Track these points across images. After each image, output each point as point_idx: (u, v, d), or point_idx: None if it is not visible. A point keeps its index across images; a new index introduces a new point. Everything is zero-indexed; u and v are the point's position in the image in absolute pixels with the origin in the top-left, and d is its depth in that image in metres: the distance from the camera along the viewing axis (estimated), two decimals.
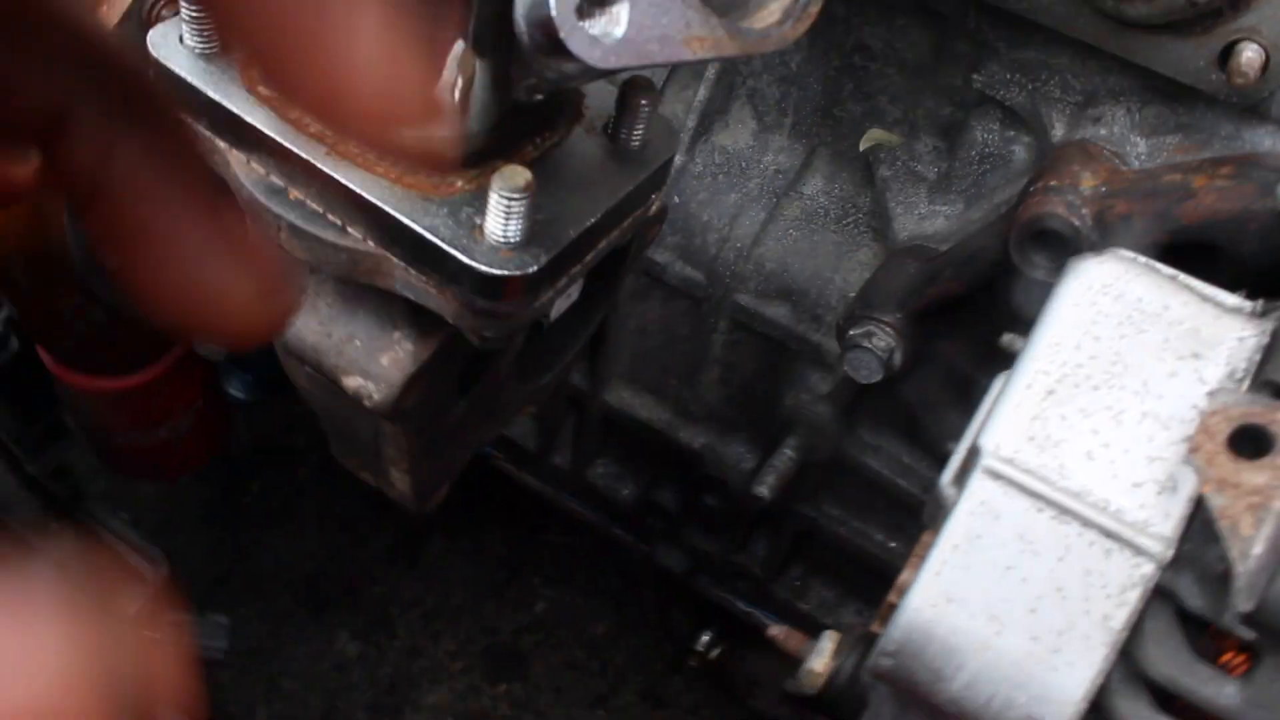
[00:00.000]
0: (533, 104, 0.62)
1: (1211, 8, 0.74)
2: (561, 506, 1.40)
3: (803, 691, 0.63)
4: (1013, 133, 0.93)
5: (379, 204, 0.61)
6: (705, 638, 1.38)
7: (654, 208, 0.82)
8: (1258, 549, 0.45)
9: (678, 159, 1.08)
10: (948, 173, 0.98)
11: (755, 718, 1.65)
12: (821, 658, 0.63)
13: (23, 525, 1.17)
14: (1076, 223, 0.70)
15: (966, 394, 0.87)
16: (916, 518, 0.63)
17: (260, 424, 1.88)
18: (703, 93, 1.07)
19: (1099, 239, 0.71)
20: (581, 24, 0.44)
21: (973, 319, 0.80)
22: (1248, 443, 0.48)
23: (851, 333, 0.83)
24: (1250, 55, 0.76)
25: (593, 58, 0.44)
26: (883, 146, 1.03)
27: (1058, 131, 0.87)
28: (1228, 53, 0.78)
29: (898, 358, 0.83)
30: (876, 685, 0.58)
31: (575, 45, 0.43)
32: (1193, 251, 0.71)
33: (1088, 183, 0.73)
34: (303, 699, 1.75)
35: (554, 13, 0.42)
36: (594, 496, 1.32)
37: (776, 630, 0.69)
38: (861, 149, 1.04)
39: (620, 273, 0.88)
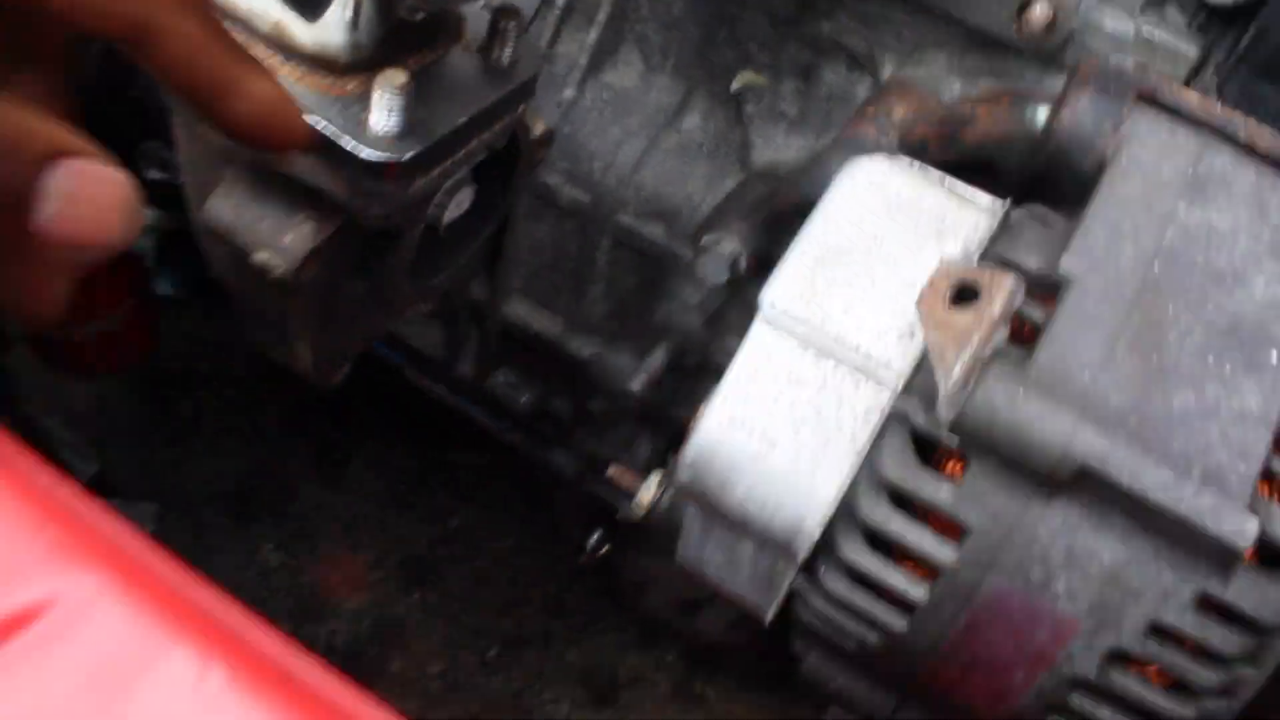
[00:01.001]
0: (416, 22, 0.74)
1: None
2: (467, 417, 1.51)
3: (632, 518, 0.76)
4: (856, 75, 1.06)
5: None
6: (594, 537, 1.50)
7: (539, 129, 0.94)
8: (957, 370, 0.58)
9: (570, 93, 1.19)
10: (804, 111, 1.11)
11: (646, 620, 1.78)
12: (648, 490, 0.75)
13: None
14: (884, 142, 0.83)
15: None
16: None
17: (186, 347, 1.97)
18: (594, 34, 1.19)
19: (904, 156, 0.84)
20: None
21: None
22: (962, 296, 0.62)
23: (704, 240, 0.96)
24: (1039, 12, 0.89)
25: None
26: (751, 87, 1.15)
27: (887, 72, 1.00)
28: (1024, 8, 0.91)
29: (742, 261, 0.96)
30: (686, 506, 0.71)
31: None
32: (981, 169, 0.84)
33: (899, 112, 0.86)
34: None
35: None
36: (495, 405, 1.44)
37: (614, 469, 0.82)
38: (733, 89, 1.17)
39: (509, 185, 1.00)
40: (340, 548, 1.91)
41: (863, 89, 1.07)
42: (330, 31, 0.71)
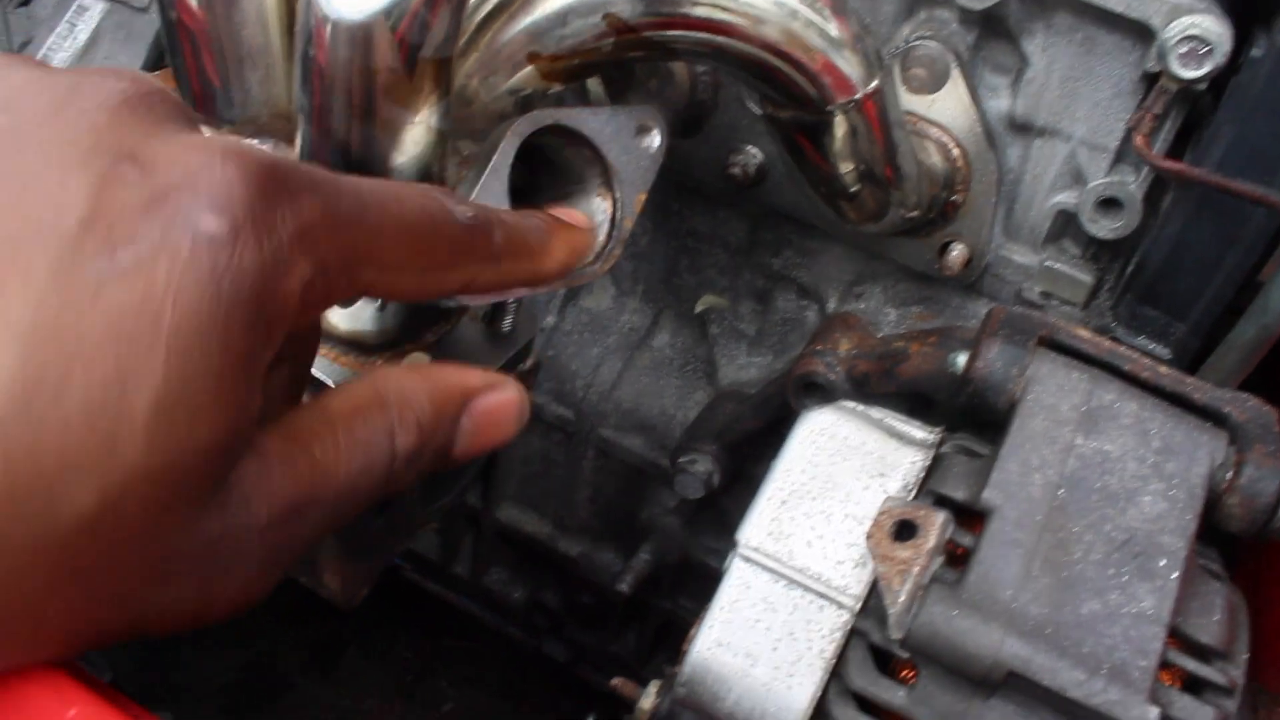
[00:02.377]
0: (433, 306, 0.88)
1: (926, 219, 1.03)
2: (462, 610, 1.62)
3: None
4: (805, 302, 1.21)
5: (321, 376, 0.85)
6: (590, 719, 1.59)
7: (530, 362, 1.08)
8: (902, 597, 0.71)
9: (551, 319, 1.34)
10: (761, 331, 1.26)
11: None
12: (648, 698, 0.87)
13: None
14: (833, 377, 0.96)
15: None
16: None
17: None
18: None
19: (850, 389, 0.98)
20: None
21: (775, 445, 1.06)
22: (903, 531, 0.75)
23: (679, 460, 1.09)
24: (956, 254, 1.05)
25: (473, 301, 0.70)
26: (713, 309, 1.30)
27: (831, 303, 1.16)
28: (944, 249, 1.07)
29: (716, 478, 1.09)
30: (682, 713, 0.82)
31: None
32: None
33: (844, 346, 1.00)
34: None
35: None
36: (490, 599, 1.55)
37: (616, 681, 0.93)
38: (697, 311, 1.32)
39: None
40: None
41: (812, 314, 1.22)
42: (363, 319, 0.84)
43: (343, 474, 0.54)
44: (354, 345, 0.86)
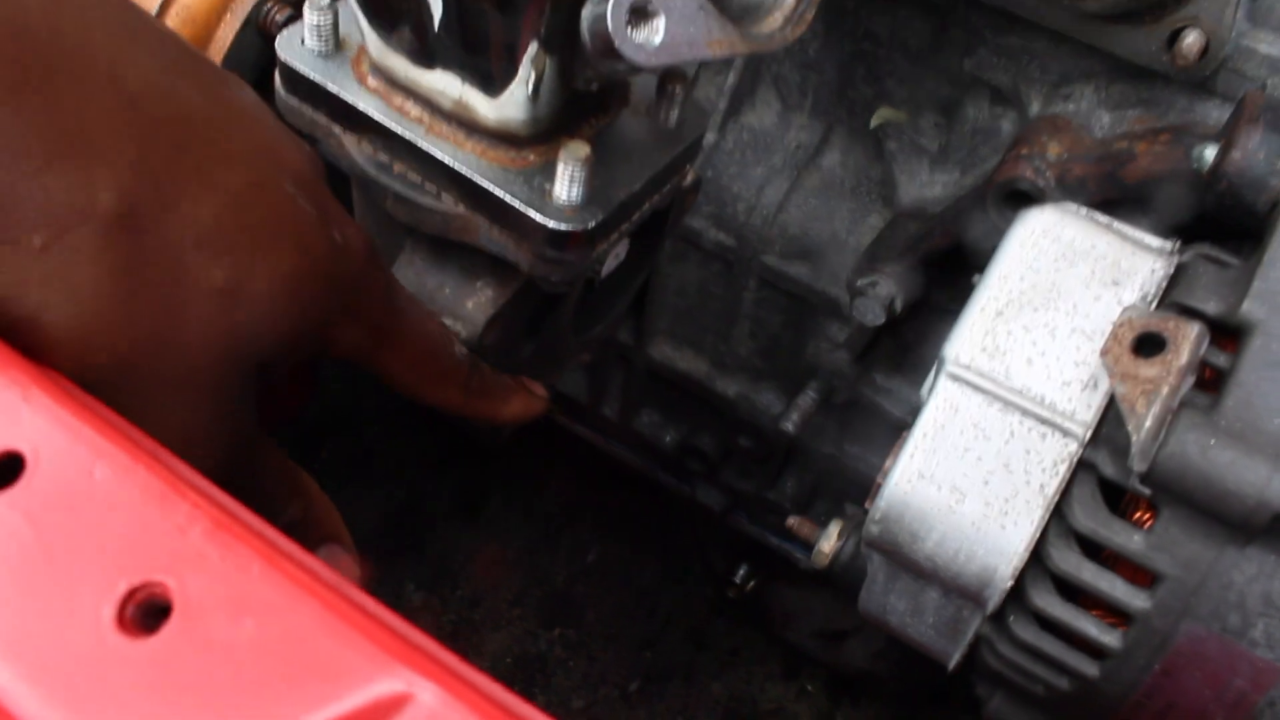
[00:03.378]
0: (590, 91, 0.77)
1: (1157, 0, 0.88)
2: (611, 455, 1.54)
3: (816, 567, 0.78)
4: (1000, 109, 1.07)
5: (469, 174, 0.76)
6: (742, 570, 1.52)
7: (689, 179, 0.97)
8: (1149, 422, 0.59)
9: (711, 137, 1.22)
10: (946, 145, 1.12)
11: (790, 651, 1.79)
12: (829, 539, 0.77)
13: None
14: (1041, 184, 0.84)
15: None
16: None
17: (329, 392, 2.03)
18: (732, 78, 1.21)
19: (1061, 197, 0.85)
20: (629, 33, 0.58)
21: (964, 268, 0.94)
22: (1147, 346, 0.62)
23: (859, 283, 0.97)
24: (1191, 40, 0.89)
25: (639, 59, 0.58)
26: (891, 123, 1.17)
27: (1034, 107, 1.01)
28: (1174, 38, 0.91)
29: (898, 303, 0.97)
30: (871, 555, 0.73)
31: (626, 50, 0.58)
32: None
33: (1053, 150, 0.87)
34: None
35: (610, 25, 0.57)
36: (640, 444, 1.47)
37: (793, 520, 0.84)
38: (872, 126, 1.18)
39: (660, 236, 1.03)
40: (482, 586, 1.95)
41: (1007, 123, 1.07)
42: (511, 107, 0.74)
43: None
44: (503, 138, 0.76)
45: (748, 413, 1.29)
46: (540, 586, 1.94)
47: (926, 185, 1.11)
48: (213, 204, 0.57)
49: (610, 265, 0.97)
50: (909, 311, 1.01)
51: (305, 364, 0.85)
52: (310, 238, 0.62)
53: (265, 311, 0.58)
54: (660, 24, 0.59)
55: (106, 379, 0.53)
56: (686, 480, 1.47)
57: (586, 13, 0.58)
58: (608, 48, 0.58)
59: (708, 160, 1.22)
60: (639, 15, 0.59)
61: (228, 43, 0.97)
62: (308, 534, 0.68)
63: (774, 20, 0.66)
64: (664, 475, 1.49)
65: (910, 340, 1.08)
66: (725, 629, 1.89)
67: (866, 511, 0.71)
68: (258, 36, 0.98)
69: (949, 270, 1.02)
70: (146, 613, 0.38)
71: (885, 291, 0.97)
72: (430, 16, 0.70)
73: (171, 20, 0.97)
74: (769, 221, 1.19)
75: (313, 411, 2.08)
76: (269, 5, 0.98)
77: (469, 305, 0.84)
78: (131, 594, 0.37)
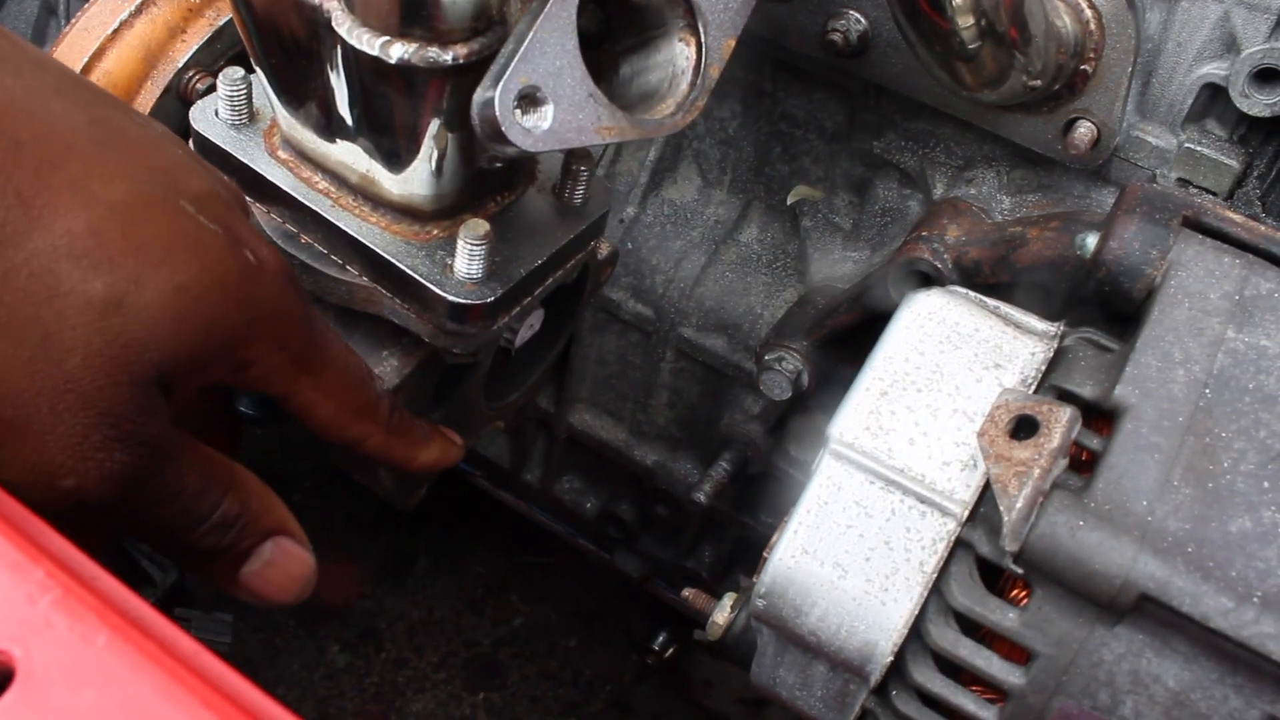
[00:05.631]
0: (494, 170, 0.79)
1: (1050, 91, 0.91)
2: (534, 521, 1.55)
3: (708, 640, 0.79)
4: (908, 191, 1.10)
5: (373, 247, 0.77)
6: (661, 637, 1.52)
7: (605, 251, 0.99)
8: (1019, 504, 0.61)
9: (631, 210, 1.24)
10: (858, 224, 1.15)
11: (713, 718, 1.79)
12: (722, 612, 0.78)
13: None
14: (939, 265, 0.86)
15: None
16: None
17: (260, 450, 2.02)
18: (653, 153, 1.24)
19: (958, 279, 0.87)
20: (518, 117, 0.60)
21: (871, 345, 0.96)
22: (1022, 429, 0.64)
23: (766, 358, 0.99)
24: (1083, 131, 0.93)
25: (526, 144, 0.60)
26: (806, 201, 1.20)
27: (939, 190, 1.04)
28: (1069, 127, 0.95)
29: (805, 378, 0.99)
30: (760, 628, 0.74)
31: (513, 135, 0.60)
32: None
33: (952, 233, 0.89)
34: (296, 705, 1.88)
35: (497, 110, 0.59)
36: (562, 510, 1.47)
37: (688, 591, 0.85)
38: (789, 202, 1.21)
39: (576, 308, 1.04)
40: (406, 649, 1.94)
41: (915, 204, 1.10)
42: (415, 183, 0.76)
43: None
44: (407, 213, 0.78)
45: (665, 481, 1.31)
46: (465, 650, 1.94)
47: (838, 262, 1.14)
48: (88, 217, 0.56)
49: (525, 335, 0.98)
50: (818, 386, 1.03)
51: (219, 404, 0.86)
52: (213, 254, 0.61)
53: (154, 322, 0.57)
54: (549, 110, 0.61)
55: None
56: (606, 547, 1.47)
57: (476, 97, 0.60)
58: (495, 132, 0.59)
59: (628, 233, 1.24)
60: (527, 101, 0.60)
61: (148, 108, 0.98)
62: (247, 529, 0.67)
63: (666, 106, 0.68)
64: (585, 541, 1.50)
65: (817, 416, 1.10)
66: (649, 694, 1.88)
67: (752, 583, 0.72)
68: (178, 103, 0.99)
69: (859, 346, 1.05)
70: None
71: (791, 367, 0.99)
72: (335, 94, 0.71)
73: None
74: (686, 294, 1.21)
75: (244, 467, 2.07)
76: (190, 73, 0.99)
77: (374, 373, 0.85)
78: None
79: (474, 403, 0.99)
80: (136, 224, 0.58)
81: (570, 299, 1.02)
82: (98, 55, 0.97)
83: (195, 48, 0.99)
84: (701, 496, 1.14)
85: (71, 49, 0.97)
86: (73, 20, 0.98)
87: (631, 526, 1.39)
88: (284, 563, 0.69)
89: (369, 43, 0.64)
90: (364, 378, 0.77)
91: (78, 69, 0.98)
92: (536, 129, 0.61)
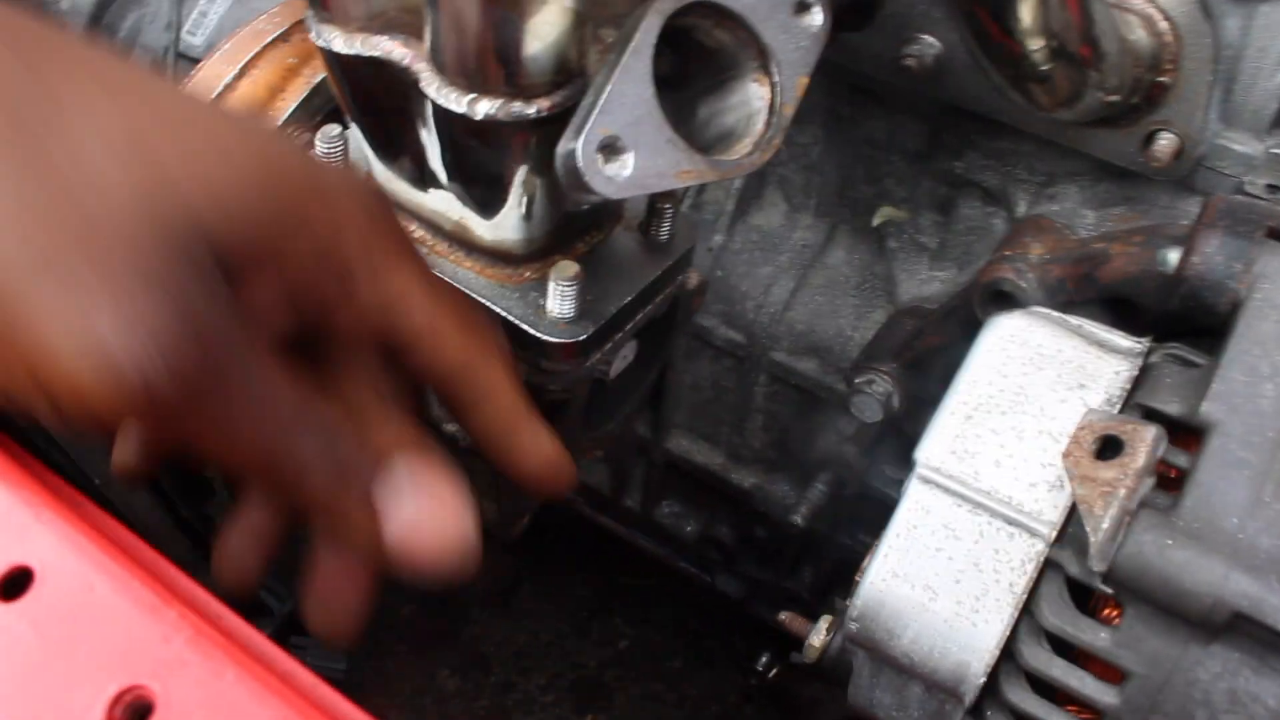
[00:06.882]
0: (581, 212, 0.82)
1: (1129, 105, 0.91)
2: (635, 545, 1.57)
3: (806, 662, 0.80)
4: (991, 209, 1.11)
5: (466, 289, 0.80)
6: (764, 658, 1.53)
7: (694, 281, 1.01)
8: (1105, 524, 0.62)
9: (719, 238, 1.26)
10: (944, 243, 1.15)
11: None
12: (818, 634, 0.80)
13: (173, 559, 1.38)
14: (1023, 285, 0.87)
15: None
16: None
17: None
18: (738, 182, 1.26)
19: (1043, 298, 0.88)
20: (601, 166, 0.63)
21: (961, 364, 0.97)
22: (1107, 449, 0.65)
23: (856, 381, 1.00)
24: (1164, 143, 0.93)
25: (608, 191, 0.63)
26: (892, 222, 1.21)
27: (1021, 207, 1.05)
28: (1150, 140, 0.95)
29: (895, 400, 1.00)
30: (855, 650, 0.75)
31: (595, 184, 0.62)
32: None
33: (1035, 251, 0.90)
34: None
35: (580, 161, 0.61)
36: (662, 534, 1.49)
37: (785, 615, 0.87)
38: (875, 224, 1.22)
39: (668, 338, 1.07)
40: (513, 672, 1.97)
41: (999, 221, 1.11)
42: (506, 229, 0.79)
43: None
44: (500, 257, 0.81)
45: (763, 504, 1.32)
46: (572, 672, 1.96)
47: (925, 283, 1.14)
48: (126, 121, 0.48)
49: (619, 366, 1.01)
50: (912, 406, 1.04)
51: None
52: (282, 145, 0.53)
53: (191, 173, 0.48)
54: (630, 159, 0.63)
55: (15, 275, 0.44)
56: (707, 569, 1.49)
57: (560, 149, 0.62)
58: (579, 182, 0.62)
59: (717, 260, 1.26)
60: (608, 150, 0.63)
61: None
62: (358, 456, 0.52)
63: (743, 146, 0.70)
64: (685, 564, 1.52)
65: (912, 435, 1.11)
66: (754, 715, 1.89)
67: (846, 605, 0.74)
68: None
69: (950, 366, 1.05)
70: (132, 713, 0.42)
71: (882, 389, 1.00)
72: (427, 149, 0.75)
73: None
74: (777, 318, 1.23)
75: None
76: (291, 130, 1.03)
77: None
78: (120, 696, 0.42)
79: (572, 433, 1.02)
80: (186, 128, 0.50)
81: (663, 329, 1.04)
82: None
83: (294, 105, 1.04)
84: (798, 519, 1.15)
85: None
86: (181, 84, 1.03)
87: (731, 548, 1.41)
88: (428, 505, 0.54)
89: (457, 101, 0.67)
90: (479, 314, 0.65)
91: None
92: (619, 177, 0.63)
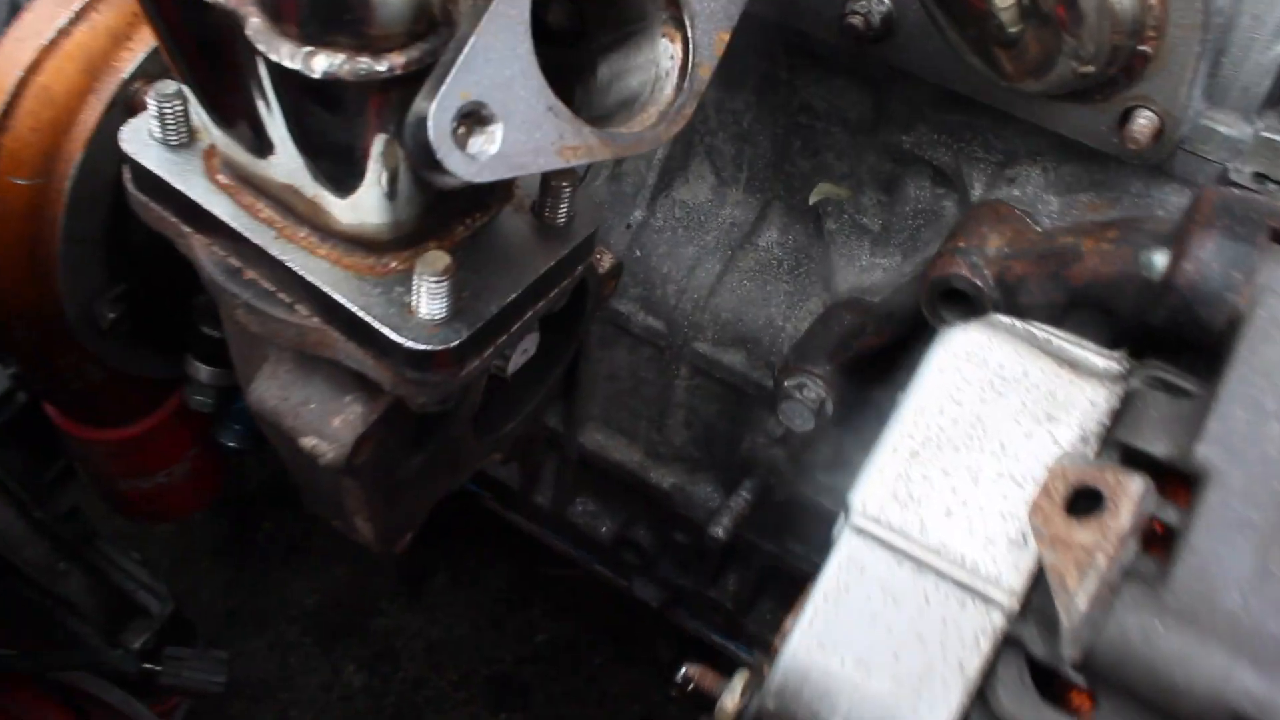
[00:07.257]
0: (460, 190, 0.68)
1: (1104, 77, 0.79)
2: (547, 544, 1.45)
3: None
4: (942, 190, 0.98)
5: (319, 284, 0.67)
6: (682, 671, 1.42)
7: (608, 264, 0.88)
8: (1081, 603, 0.50)
9: (639, 214, 1.13)
10: (887, 226, 1.03)
11: None
12: (732, 696, 0.68)
13: (32, 567, 1.23)
14: (979, 283, 0.75)
15: None
16: None
17: (272, 466, 1.94)
18: (662, 151, 1.13)
19: (1002, 298, 0.76)
20: (457, 145, 0.49)
21: (904, 369, 0.85)
22: (1082, 502, 0.53)
23: (786, 384, 0.88)
24: (1143, 122, 0.81)
25: (468, 173, 0.50)
26: (830, 200, 1.08)
27: (977, 189, 0.93)
28: (1126, 117, 0.83)
29: (828, 407, 0.88)
30: None
31: (450, 162, 0.49)
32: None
33: (993, 244, 0.78)
34: None
35: (431, 135, 0.48)
36: (575, 534, 1.38)
37: (691, 670, 0.75)
38: (811, 202, 1.10)
39: (576, 328, 0.94)
40: (424, 667, 1.85)
41: (950, 204, 0.99)
42: (366, 209, 0.65)
43: None
44: (360, 243, 0.68)
45: (684, 506, 1.20)
46: (487, 668, 1.85)
47: (866, 269, 1.02)
48: None
49: (518, 361, 0.88)
50: (843, 413, 0.92)
51: (205, 459, 0.74)
52: None
53: None
54: (498, 131, 0.50)
55: None
56: (624, 574, 1.37)
57: (409, 117, 0.49)
58: (429, 159, 0.49)
59: (635, 239, 1.13)
60: (472, 120, 0.50)
61: (91, 126, 0.89)
62: None
63: (648, 116, 0.57)
64: (601, 568, 1.40)
65: (850, 442, 0.99)
66: (678, 715, 1.79)
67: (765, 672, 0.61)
68: (127, 118, 0.89)
69: (889, 367, 0.94)
70: None
71: (814, 395, 0.88)
72: (262, 112, 0.61)
73: (29, 102, 0.89)
74: (701, 305, 1.10)
75: (251, 486, 1.99)
76: (138, 85, 0.89)
77: (335, 423, 0.75)
78: None
79: (462, 441, 0.89)
80: None
81: (570, 317, 0.91)
82: (34, 69, 0.87)
83: (143, 56, 0.89)
84: (720, 531, 1.04)
85: (4, 62, 0.87)
86: (5, 31, 0.88)
87: (649, 553, 1.29)
88: None
89: (289, 55, 0.54)
90: None
91: (11, 85, 0.88)
92: (483, 154, 0.50)
